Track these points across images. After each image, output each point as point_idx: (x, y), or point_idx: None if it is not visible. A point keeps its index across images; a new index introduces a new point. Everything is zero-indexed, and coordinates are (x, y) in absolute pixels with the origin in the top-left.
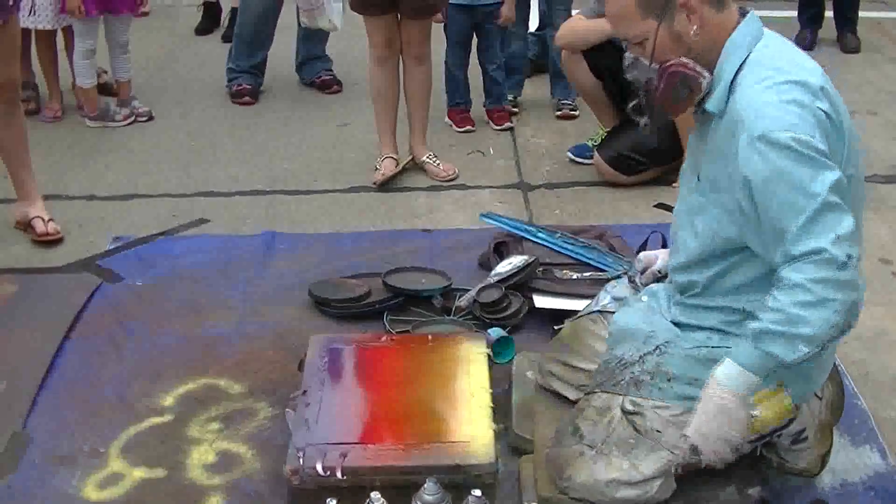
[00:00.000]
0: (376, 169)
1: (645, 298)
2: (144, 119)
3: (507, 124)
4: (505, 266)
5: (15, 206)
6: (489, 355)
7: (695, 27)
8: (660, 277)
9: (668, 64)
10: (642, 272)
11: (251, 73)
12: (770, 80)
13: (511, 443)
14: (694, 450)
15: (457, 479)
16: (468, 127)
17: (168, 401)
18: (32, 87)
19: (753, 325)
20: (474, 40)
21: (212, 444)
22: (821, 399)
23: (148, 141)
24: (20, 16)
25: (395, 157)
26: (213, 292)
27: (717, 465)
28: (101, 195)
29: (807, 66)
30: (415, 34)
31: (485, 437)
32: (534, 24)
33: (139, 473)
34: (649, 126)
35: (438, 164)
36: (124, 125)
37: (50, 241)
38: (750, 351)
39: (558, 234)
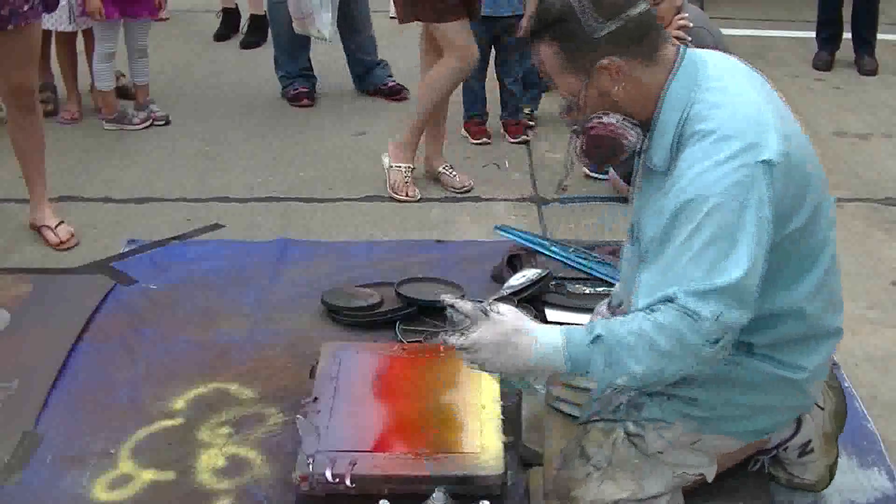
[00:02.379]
0: (406, 182)
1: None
2: (161, 123)
3: (523, 137)
4: (518, 279)
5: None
6: None
7: (620, 85)
8: None
9: (590, 124)
10: (618, 306)
11: (303, 75)
12: (712, 139)
13: (521, 454)
14: (473, 345)
15: (466, 489)
16: (484, 139)
17: (179, 404)
18: (51, 89)
19: (598, 326)
20: (492, 53)
21: (221, 448)
22: (823, 409)
23: (164, 145)
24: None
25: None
26: (227, 298)
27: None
28: (117, 198)
29: (750, 113)
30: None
31: (494, 449)
32: None
33: (149, 476)
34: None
35: (454, 175)
36: (141, 129)
37: (65, 248)
38: (585, 345)
39: (572, 249)
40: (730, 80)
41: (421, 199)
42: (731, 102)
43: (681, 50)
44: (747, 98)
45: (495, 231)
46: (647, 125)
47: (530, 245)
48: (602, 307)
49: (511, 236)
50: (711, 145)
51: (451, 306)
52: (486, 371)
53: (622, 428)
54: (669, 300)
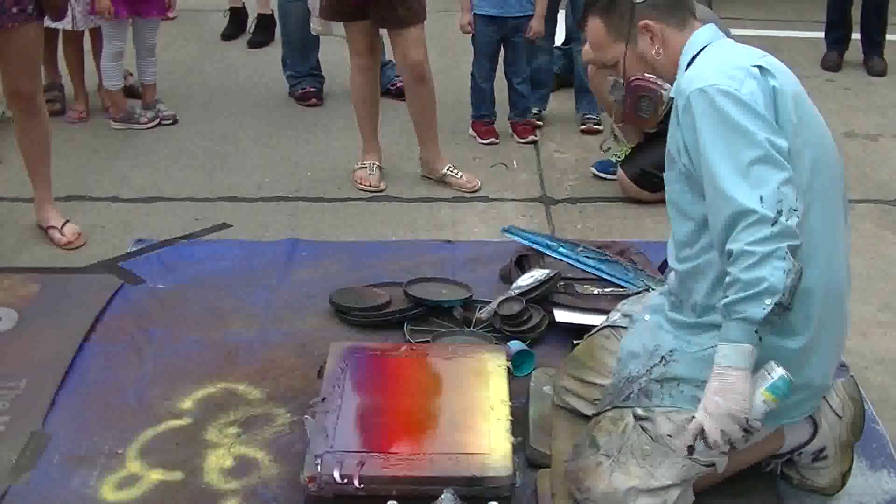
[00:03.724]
0: (363, 167)
1: (647, 317)
2: (169, 123)
3: (532, 137)
4: (526, 279)
5: None
6: (509, 368)
7: (656, 47)
8: None
9: (632, 79)
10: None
11: (312, 75)
12: (715, 60)
13: (528, 456)
14: (701, 433)
15: (474, 491)
16: (492, 139)
17: (187, 404)
18: (58, 88)
19: (720, 306)
20: (501, 53)
21: (229, 448)
22: (841, 419)
23: (172, 145)
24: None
25: (380, 164)
26: (235, 298)
27: (725, 452)
28: (125, 197)
29: (758, 52)
30: (401, 46)
31: (503, 450)
32: (560, 38)
33: (156, 476)
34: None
35: (461, 176)
36: (149, 128)
37: (73, 248)
38: (729, 326)
39: (580, 248)
40: (742, 45)
41: (429, 199)
42: (740, 51)
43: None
44: (756, 52)
45: (502, 233)
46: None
47: (537, 247)
48: (624, 305)
49: (518, 238)
50: (710, 63)
51: None
52: (750, 431)
53: (631, 414)
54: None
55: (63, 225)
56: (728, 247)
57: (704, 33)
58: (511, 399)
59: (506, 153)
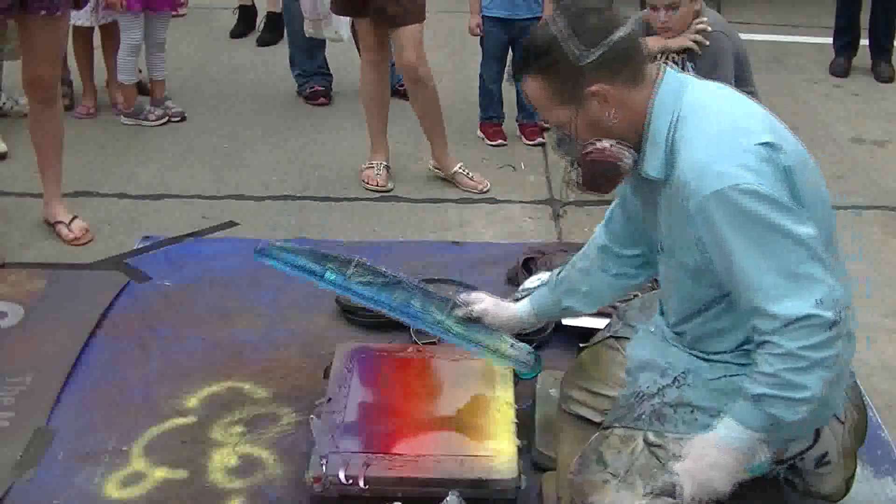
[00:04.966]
0: (371, 167)
1: (653, 329)
2: (177, 120)
3: (539, 140)
4: (533, 282)
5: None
6: (514, 371)
7: (610, 111)
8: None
9: (586, 151)
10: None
11: (320, 74)
12: (712, 131)
13: (534, 459)
14: (673, 488)
15: (480, 493)
16: (500, 141)
17: (192, 402)
18: (67, 84)
19: (751, 387)
20: (509, 55)
21: (234, 447)
22: (843, 424)
23: (180, 142)
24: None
25: (388, 164)
26: (241, 297)
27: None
28: (132, 194)
29: (746, 109)
30: (397, 46)
31: (509, 452)
32: None
33: (161, 474)
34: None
35: (471, 176)
36: (157, 125)
37: (80, 244)
38: (751, 410)
39: (351, 271)
40: (709, 87)
41: (437, 200)
42: (721, 102)
43: (661, 67)
44: (730, 100)
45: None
46: (637, 146)
47: (295, 273)
48: (626, 313)
49: (273, 263)
50: (707, 141)
51: None
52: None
53: (642, 437)
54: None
55: (71, 221)
56: (774, 339)
57: (670, 86)
58: (517, 402)
59: (513, 155)
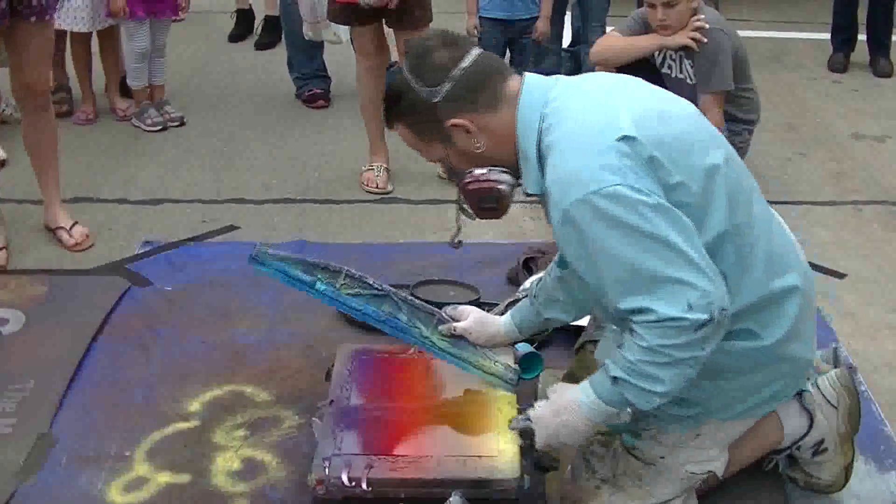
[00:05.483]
0: (370, 169)
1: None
2: (176, 124)
3: None
4: (533, 282)
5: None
6: (516, 370)
7: (477, 138)
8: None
9: (465, 181)
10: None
11: (318, 76)
12: (571, 134)
13: (536, 459)
14: (532, 433)
15: (482, 493)
16: None
17: (194, 406)
18: (66, 90)
19: (611, 367)
20: (508, 56)
21: (237, 450)
22: (836, 409)
23: (180, 146)
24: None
25: (388, 166)
26: (242, 299)
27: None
28: (132, 199)
29: (609, 102)
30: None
31: (511, 452)
32: (567, 40)
33: (164, 478)
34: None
35: None
36: (156, 130)
37: (81, 249)
38: (609, 387)
39: (341, 283)
40: (575, 86)
41: (437, 201)
42: (578, 104)
43: (523, 78)
44: (593, 95)
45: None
46: (515, 166)
47: (289, 283)
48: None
49: (266, 271)
50: (568, 145)
51: None
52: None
53: (619, 442)
54: (640, 311)
55: (72, 226)
56: (640, 331)
57: (531, 96)
58: (519, 402)
59: None
